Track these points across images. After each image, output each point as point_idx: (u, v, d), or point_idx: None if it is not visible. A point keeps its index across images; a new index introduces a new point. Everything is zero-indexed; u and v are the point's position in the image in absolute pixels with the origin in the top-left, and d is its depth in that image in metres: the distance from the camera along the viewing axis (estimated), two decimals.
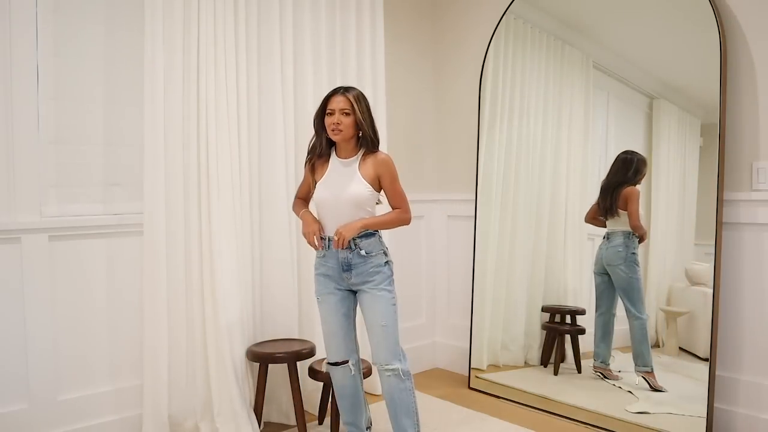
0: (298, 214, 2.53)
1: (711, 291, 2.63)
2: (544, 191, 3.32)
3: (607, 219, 3.01)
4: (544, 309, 3.34)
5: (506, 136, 3.45)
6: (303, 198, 2.58)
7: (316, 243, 2.39)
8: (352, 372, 2.45)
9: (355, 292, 2.44)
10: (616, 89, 3.09)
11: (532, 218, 3.37)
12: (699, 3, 2.68)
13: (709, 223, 2.65)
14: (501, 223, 3.47)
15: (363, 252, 2.35)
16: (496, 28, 3.46)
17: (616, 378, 2.99)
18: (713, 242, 2.62)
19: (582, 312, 3.22)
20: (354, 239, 2.34)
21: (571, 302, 3.27)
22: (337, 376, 2.47)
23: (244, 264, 2.90)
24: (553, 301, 3.32)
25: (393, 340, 2.36)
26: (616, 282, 3.00)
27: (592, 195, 3.13)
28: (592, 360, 3.12)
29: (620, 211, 2.95)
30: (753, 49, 2.61)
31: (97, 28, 2.67)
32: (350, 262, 2.36)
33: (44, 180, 2.55)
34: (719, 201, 2.62)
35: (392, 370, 2.34)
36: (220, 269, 2.75)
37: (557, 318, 3.30)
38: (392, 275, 2.43)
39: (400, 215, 2.44)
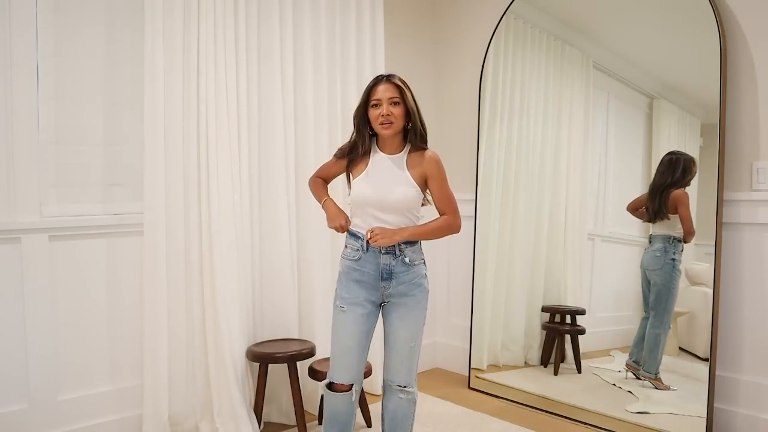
0: (318, 198, 2.28)
1: (711, 291, 2.63)
2: (544, 191, 3.32)
3: (655, 222, 2.91)
4: (544, 309, 3.34)
5: (506, 136, 3.45)
6: (323, 178, 2.31)
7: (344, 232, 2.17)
8: (353, 399, 2.17)
9: (380, 305, 2.18)
10: (616, 89, 3.09)
11: (532, 218, 3.37)
12: (699, 3, 2.68)
13: (709, 223, 2.65)
14: (501, 223, 3.47)
15: (407, 260, 2.12)
16: (496, 28, 3.46)
17: (643, 379, 2.94)
18: (713, 242, 2.62)
19: (582, 312, 3.22)
20: (400, 246, 2.10)
21: (571, 302, 3.27)
22: (335, 401, 2.16)
23: (244, 264, 2.90)
24: (553, 301, 3.32)
25: (416, 362, 2.18)
26: (653, 286, 2.93)
27: (592, 195, 3.13)
28: (591, 360, 3.12)
29: (670, 215, 2.86)
30: (753, 49, 2.61)
31: (97, 28, 2.67)
32: (392, 270, 2.11)
33: (44, 180, 2.55)
34: (719, 201, 2.62)
35: (409, 393, 2.17)
36: (220, 269, 2.74)
37: (557, 318, 3.30)
38: (429, 290, 2.20)
39: (449, 222, 2.15)
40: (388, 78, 2.11)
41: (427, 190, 2.17)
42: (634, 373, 2.99)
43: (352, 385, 2.15)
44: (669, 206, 2.85)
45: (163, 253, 2.66)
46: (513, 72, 3.45)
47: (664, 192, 2.86)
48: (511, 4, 3.38)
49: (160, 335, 2.66)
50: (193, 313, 2.77)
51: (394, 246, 2.10)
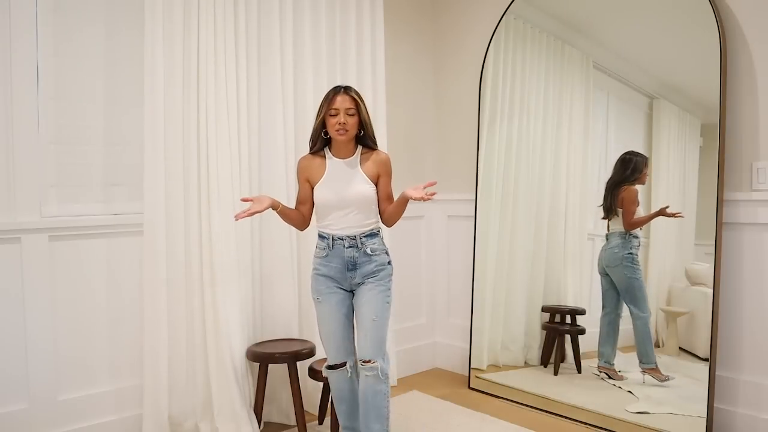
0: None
1: (711, 291, 2.63)
2: (544, 191, 3.32)
3: (609, 219, 3.01)
4: (544, 309, 3.34)
5: (506, 136, 3.45)
6: (303, 203, 2.47)
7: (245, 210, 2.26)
8: (349, 374, 2.41)
9: (351, 292, 2.43)
10: (616, 89, 3.09)
11: (532, 218, 3.37)
12: (699, 3, 2.68)
13: (709, 223, 2.65)
14: (501, 222, 3.47)
15: (368, 250, 2.36)
16: (496, 28, 3.46)
17: (620, 378, 2.98)
18: (713, 242, 2.62)
19: (582, 312, 3.22)
20: (361, 238, 2.35)
21: (571, 302, 3.27)
22: (335, 379, 2.43)
23: (244, 264, 2.90)
24: (553, 301, 3.32)
25: (380, 337, 2.33)
26: (617, 283, 3.00)
27: (592, 195, 3.13)
28: (591, 360, 3.12)
29: (618, 210, 2.97)
30: (753, 49, 2.61)
31: (97, 28, 2.67)
32: (356, 261, 2.36)
33: (44, 180, 2.55)
34: (719, 201, 2.62)
35: (372, 368, 2.29)
36: (220, 269, 2.75)
37: (557, 318, 3.30)
38: (392, 275, 2.43)
39: None
40: (345, 90, 2.35)
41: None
42: (607, 374, 3.01)
43: (346, 362, 2.40)
44: (618, 203, 2.96)
45: (163, 253, 2.66)
46: (513, 72, 3.44)
47: (615, 190, 2.98)
48: (511, 4, 3.38)
49: (160, 335, 2.66)
50: (193, 313, 2.77)
51: (356, 239, 2.35)
